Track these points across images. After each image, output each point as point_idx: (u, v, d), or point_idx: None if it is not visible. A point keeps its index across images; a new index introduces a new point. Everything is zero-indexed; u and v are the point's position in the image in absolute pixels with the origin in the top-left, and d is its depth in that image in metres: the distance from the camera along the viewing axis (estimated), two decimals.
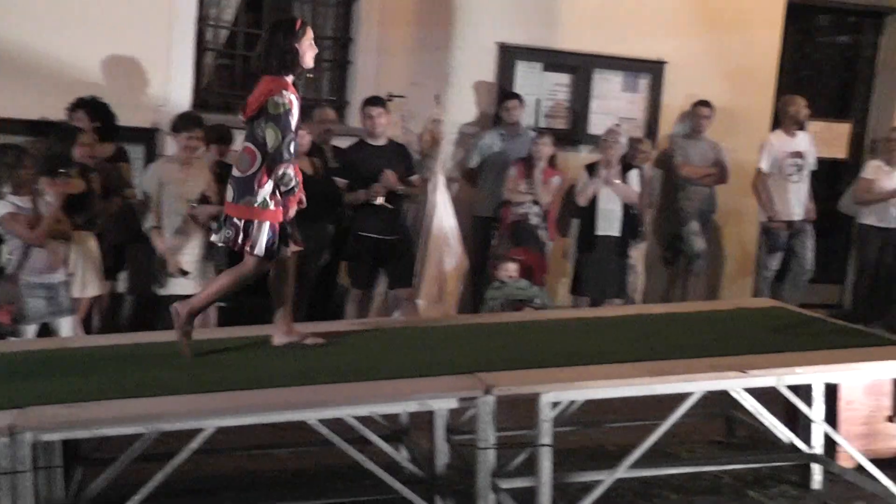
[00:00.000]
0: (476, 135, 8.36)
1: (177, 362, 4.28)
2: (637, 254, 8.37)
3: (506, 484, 4.40)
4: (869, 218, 8.65)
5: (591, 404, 5.02)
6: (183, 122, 6.49)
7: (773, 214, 8.42)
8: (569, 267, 8.43)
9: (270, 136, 4.26)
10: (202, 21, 7.85)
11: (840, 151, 9.81)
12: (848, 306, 9.40)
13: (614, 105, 8.77)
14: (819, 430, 4.98)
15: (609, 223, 7.92)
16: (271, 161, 4.28)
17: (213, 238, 4.57)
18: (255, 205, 4.30)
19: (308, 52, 4.46)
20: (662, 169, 8.89)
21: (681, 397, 4.17)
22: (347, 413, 3.80)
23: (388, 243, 7.20)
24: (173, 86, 7.61)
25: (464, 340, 4.65)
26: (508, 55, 8.43)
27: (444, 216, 7.74)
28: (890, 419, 5.40)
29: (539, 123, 8.62)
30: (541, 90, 8.63)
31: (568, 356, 4.29)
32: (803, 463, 5.12)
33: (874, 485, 4.63)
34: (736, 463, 5.19)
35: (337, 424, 3.92)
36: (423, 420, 4.66)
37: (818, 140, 8.79)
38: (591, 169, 7.95)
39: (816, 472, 5.11)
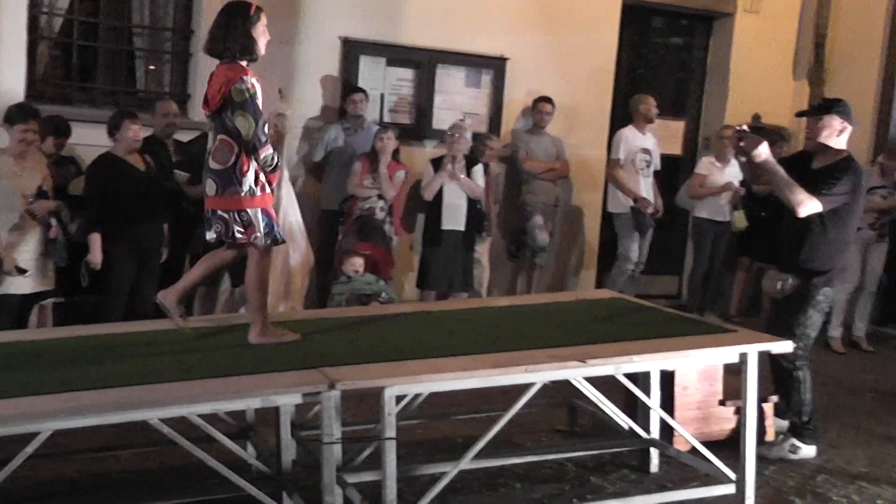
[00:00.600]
0: (321, 129, 8.30)
1: (8, 363, 4.10)
2: (482, 248, 8.49)
3: (352, 478, 4.40)
4: (703, 212, 9.03)
5: (437, 397, 5.06)
6: (17, 114, 6.20)
7: (638, 194, 8.63)
8: (415, 261, 8.49)
9: (243, 124, 4.22)
10: (35, 8, 7.52)
11: (676, 148, 10.18)
12: (685, 297, 9.76)
13: (458, 100, 8.86)
14: (656, 415, 5.14)
15: (455, 218, 8.01)
16: (251, 148, 4.26)
17: (208, 236, 4.46)
18: (243, 194, 4.29)
19: (262, 39, 4.40)
20: (506, 164, 9.03)
21: (525, 387, 4.23)
22: (189, 411, 3.70)
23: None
24: (5, 76, 7.26)
25: (309, 336, 4.60)
26: (352, 50, 8.40)
27: (288, 211, 7.64)
28: (722, 403, 5.65)
29: (384, 118, 8.63)
30: (385, 85, 8.64)
31: (413, 350, 4.30)
32: (642, 448, 5.28)
33: (708, 466, 4.81)
34: (578, 450, 5.31)
35: (183, 423, 3.84)
36: (271, 416, 4.60)
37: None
38: (437, 163, 8.02)
39: (654, 456, 5.28)
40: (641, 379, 5.11)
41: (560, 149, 8.90)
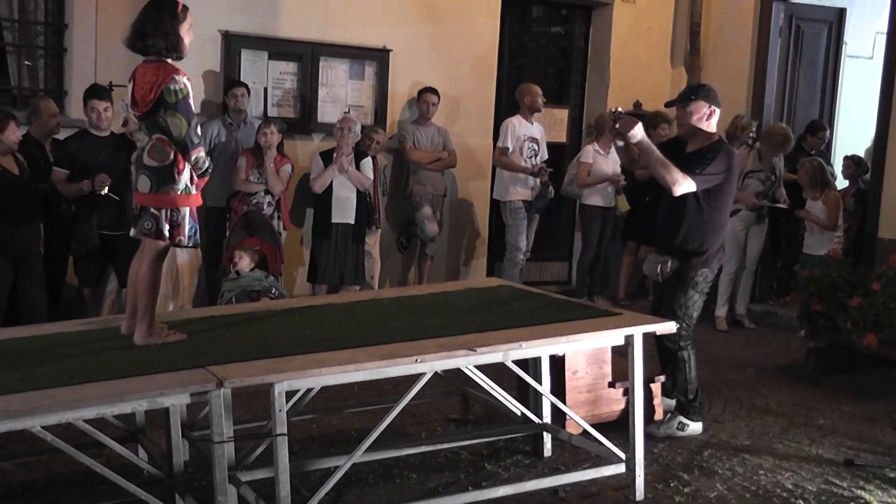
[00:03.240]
0: (203, 124, 8.14)
1: None
2: (373, 240, 8.49)
3: (246, 476, 4.36)
4: (591, 199, 9.17)
5: (330, 391, 5.05)
6: None
7: (534, 167, 8.67)
8: (305, 255, 8.44)
9: (175, 125, 4.19)
10: None
11: (561, 136, 10.32)
12: (574, 282, 9.91)
13: (342, 93, 8.81)
14: (547, 400, 5.22)
15: (344, 211, 8.00)
16: (182, 149, 4.23)
17: (132, 232, 4.36)
18: (179, 192, 4.27)
19: (187, 38, 4.33)
20: (393, 155, 9.03)
21: (416, 378, 4.25)
22: (74, 417, 3.61)
23: (117, 238, 6.91)
24: None
25: (197, 334, 4.53)
26: (233, 43, 8.28)
27: None
28: (611, 385, 5.77)
29: (268, 112, 8.54)
30: (267, 79, 8.54)
31: (302, 345, 4.27)
32: (534, 433, 5.36)
33: (599, 447, 4.91)
34: (472, 438, 5.35)
35: (70, 430, 3.75)
36: (163, 418, 4.52)
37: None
38: (325, 156, 7.98)
39: (547, 440, 5.36)
40: (532, 365, 5.18)
41: (446, 139, 8.94)
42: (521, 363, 4.99)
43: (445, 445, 5.24)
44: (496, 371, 4.94)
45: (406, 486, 4.86)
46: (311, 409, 5.39)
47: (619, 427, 5.32)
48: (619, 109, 5.49)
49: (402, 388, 4.37)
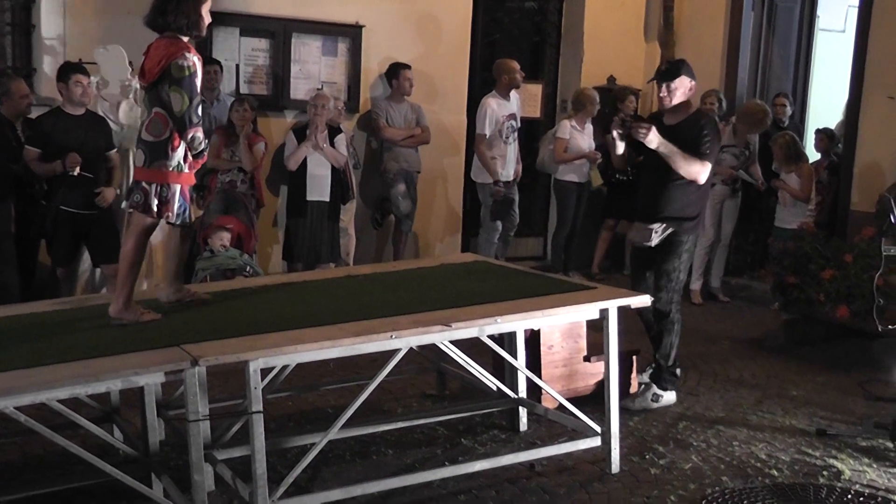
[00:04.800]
0: None
1: None
2: (348, 217, 8.47)
3: (223, 455, 4.37)
4: (567, 175, 9.18)
5: (306, 368, 5.04)
6: None
7: (498, 179, 8.63)
8: (280, 233, 8.40)
9: (177, 101, 4.21)
10: None
11: (535, 111, 10.31)
12: (550, 258, 9.93)
13: (315, 69, 8.76)
14: (523, 375, 5.24)
15: (319, 188, 7.96)
16: (180, 125, 4.25)
17: (123, 205, 4.33)
18: (171, 168, 4.30)
19: (205, 20, 4.38)
20: (367, 132, 9.00)
21: (392, 354, 4.25)
22: (48, 397, 3.58)
23: (90, 217, 6.86)
24: None
25: (171, 313, 4.51)
26: None
27: None
28: (587, 359, 5.79)
29: (240, 89, 8.47)
30: (240, 56, 8.48)
31: (277, 322, 4.26)
32: (510, 408, 5.38)
33: (575, 421, 4.93)
34: (448, 414, 5.37)
35: (44, 410, 3.73)
36: (137, 398, 4.50)
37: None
38: (299, 133, 7.94)
39: (523, 415, 5.38)
40: (507, 340, 5.20)
41: (420, 115, 8.90)
42: (497, 338, 5.02)
43: (422, 421, 5.25)
44: (472, 346, 4.96)
45: (383, 462, 4.88)
46: (286, 387, 5.38)
47: (595, 401, 5.35)
48: (627, 115, 5.57)
49: (378, 364, 4.37)
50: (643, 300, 4.93)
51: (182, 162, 4.34)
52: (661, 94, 5.75)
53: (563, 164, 9.14)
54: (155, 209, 4.31)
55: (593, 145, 9.13)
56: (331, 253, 8.07)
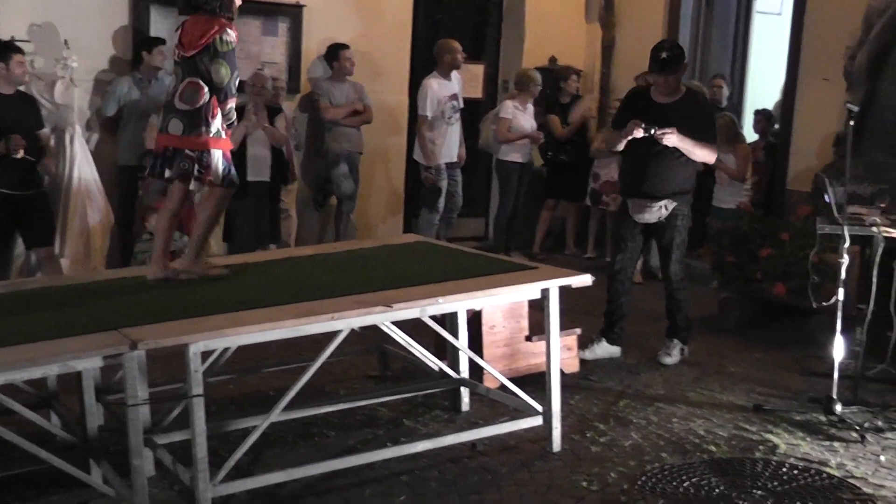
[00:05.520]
0: (111, 82, 7.94)
1: None
2: (290, 199, 8.41)
3: (163, 439, 4.34)
4: (510, 155, 9.20)
5: (248, 351, 5.00)
6: None
7: (435, 165, 8.60)
8: None
9: (220, 73, 4.54)
10: None
11: (477, 91, 10.31)
12: (491, 238, 9.96)
13: (255, 49, 8.66)
14: (465, 356, 5.26)
15: (259, 169, 7.91)
16: (222, 95, 4.57)
17: (167, 174, 4.61)
18: (211, 135, 4.57)
19: (236, 2, 4.67)
20: (308, 112, 8.94)
21: (333, 335, 4.24)
22: None
23: (24, 199, 6.72)
24: None
25: (110, 296, 4.46)
26: None
27: (83, 168, 7.37)
28: (528, 339, 5.83)
29: None
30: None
31: (217, 305, 4.22)
32: (453, 388, 5.40)
33: (516, 401, 4.96)
34: (390, 395, 5.36)
35: None
36: (76, 383, 4.44)
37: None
38: (240, 114, 7.84)
39: (465, 395, 5.41)
40: (450, 320, 5.21)
41: (362, 94, 8.84)
42: (439, 319, 5.03)
43: (364, 402, 5.24)
44: (414, 327, 4.96)
45: (325, 444, 4.88)
46: (228, 370, 5.34)
47: (538, 380, 5.38)
48: (652, 128, 5.92)
49: (320, 346, 4.36)
50: (584, 280, 4.93)
51: (221, 129, 4.63)
52: (662, 81, 6.10)
53: (505, 144, 9.16)
54: (197, 174, 4.59)
55: (535, 125, 9.16)
56: (271, 234, 8.01)
